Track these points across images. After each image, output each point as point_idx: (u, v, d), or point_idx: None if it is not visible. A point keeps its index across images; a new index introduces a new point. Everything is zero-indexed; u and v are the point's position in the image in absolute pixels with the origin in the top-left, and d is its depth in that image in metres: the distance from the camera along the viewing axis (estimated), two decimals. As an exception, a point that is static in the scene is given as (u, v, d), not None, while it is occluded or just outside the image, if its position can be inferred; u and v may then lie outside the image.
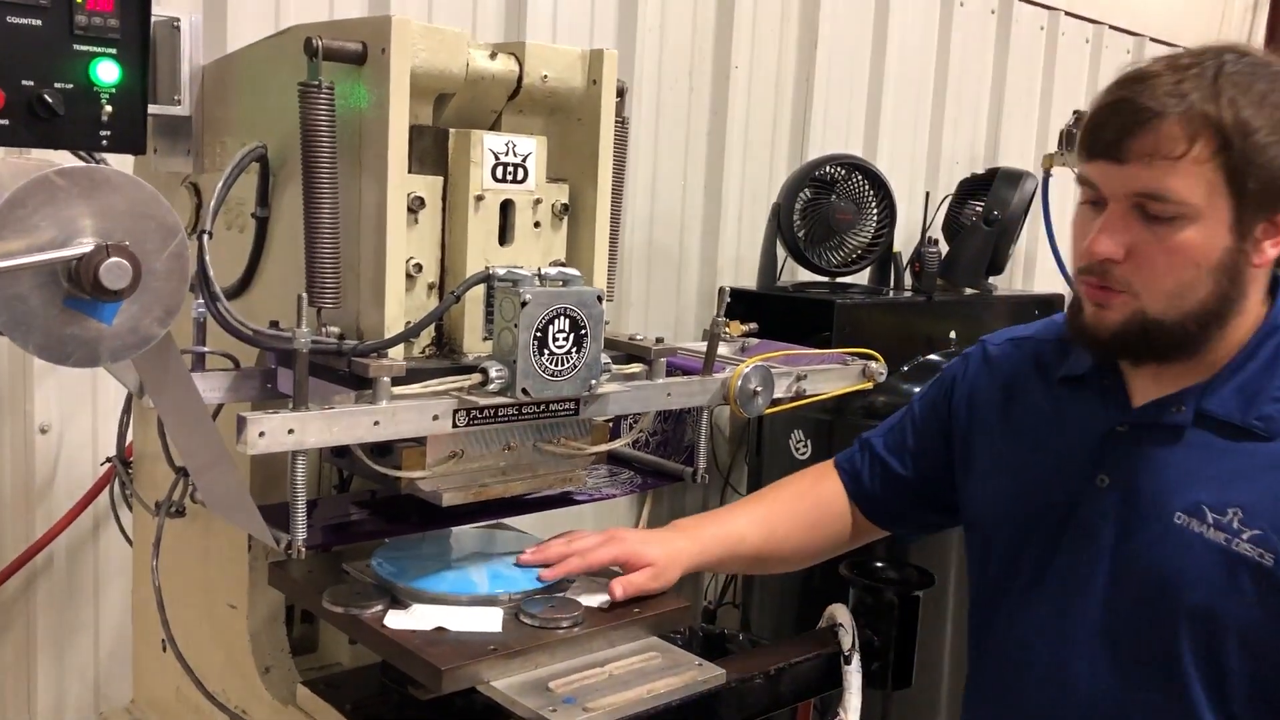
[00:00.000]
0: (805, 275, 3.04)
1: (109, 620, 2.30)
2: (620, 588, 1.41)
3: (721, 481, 3.36)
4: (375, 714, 1.39)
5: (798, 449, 2.86)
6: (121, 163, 1.28)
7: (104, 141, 1.30)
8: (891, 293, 2.96)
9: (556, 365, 1.30)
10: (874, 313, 2.80)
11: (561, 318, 1.29)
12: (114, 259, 0.99)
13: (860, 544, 1.66)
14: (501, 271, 1.30)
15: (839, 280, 2.98)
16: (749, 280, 3.05)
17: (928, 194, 2.92)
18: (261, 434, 1.14)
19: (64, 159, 1.26)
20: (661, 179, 3.07)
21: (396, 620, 1.32)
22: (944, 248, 3.05)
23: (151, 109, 1.39)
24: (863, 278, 3.08)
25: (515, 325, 1.26)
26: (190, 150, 1.57)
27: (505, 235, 1.38)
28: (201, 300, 1.30)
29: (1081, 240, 1.29)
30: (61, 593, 2.25)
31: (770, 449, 2.99)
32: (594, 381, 1.34)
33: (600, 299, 1.33)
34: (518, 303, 1.25)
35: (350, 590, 1.39)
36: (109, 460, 1.86)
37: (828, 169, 2.82)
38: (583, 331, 1.31)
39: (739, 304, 2.81)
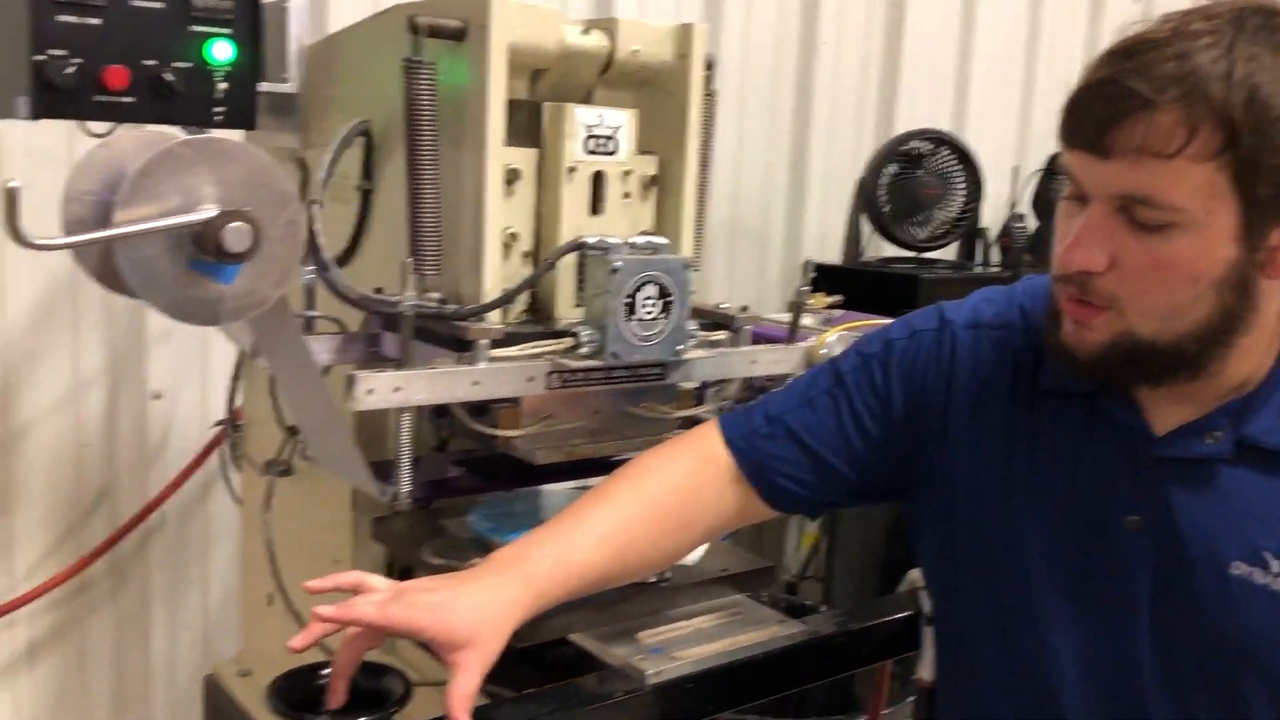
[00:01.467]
0: (891, 251, 3.04)
1: (217, 577, 2.41)
2: None
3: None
4: (471, 662, 1.45)
5: (881, 424, 2.88)
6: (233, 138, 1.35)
7: (217, 117, 1.37)
8: (979, 269, 2.95)
9: (645, 331, 1.34)
10: (959, 288, 2.76)
11: (650, 284, 1.33)
12: (236, 223, 1.06)
13: (740, 526, 1.36)
14: (593, 240, 1.35)
15: (924, 256, 2.98)
16: (833, 258, 3.06)
17: (1016, 169, 2.89)
18: (370, 391, 1.21)
19: (179, 135, 1.34)
20: (746, 155, 3.10)
21: (492, 572, 1.39)
22: (1033, 224, 3.03)
23: (261, 87, 1.46)
24: (949, 253, 3.07)
25: (605, 292, 1.31)
26: (297, 126, 1.65)
27: (597, 205, 1.43)
28: (311, 267, 1.37)
29: (1062, 243, 1.07)
30: (174, 551, 2.37)
31: (854, 424, 3.00)
32: (680, 347, 1.39)
33: (687, 267, 1.37)
34: (608, 270, 1.30)
35: (448, 544, 1.46)
36: (219, 423, 1.96)
37: (914, 144, 2.82)
38: (670, 298, 1.35)
39: (824, 279, 2.84)
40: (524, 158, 1.39)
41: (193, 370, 2.32)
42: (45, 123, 1.30)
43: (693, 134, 1.48)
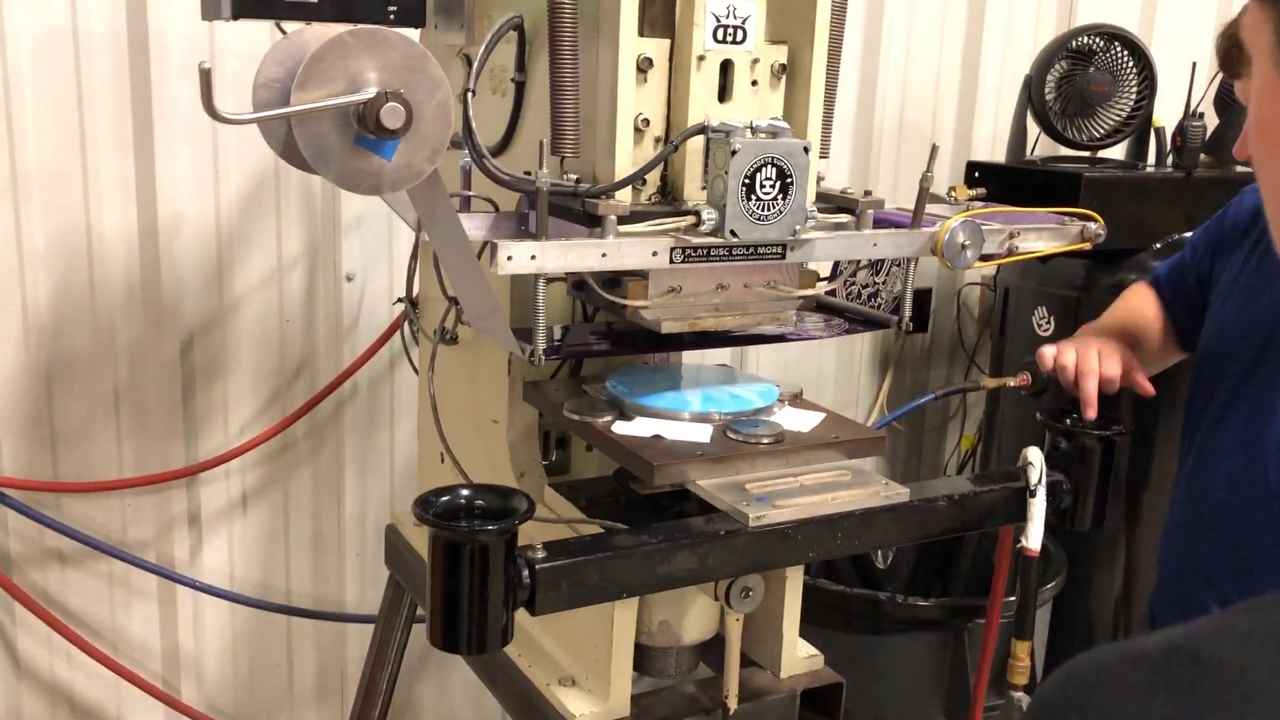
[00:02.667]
0: (1066, 152, 2.99)
1: (401, 442, 2.68)
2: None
3: (967, 360, 3.41)
4: (604, 508, 1.61)
5: (1040, 326, 2.88)
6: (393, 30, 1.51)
7: (391, 15, 1.54)
8: (1151, 168, 2.87)
9: (763, 210, 1.44)
10: (1126, 187, 2.74)
11: (769, 166, 1.42)
12: (392, 103, 1.22)
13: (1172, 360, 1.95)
14: (715, 124, 1.44)
15: (1096, 156, 2.92)
16: (1004, 158, 3.03)
17: (1194, 65, 2.78)
18: (509, 257, 1.36)
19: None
20: (915, 54, 3.09)
21: (622, 428, 1.54)
22: (1214, 122, 2.91)
23: (454, -14, 1.62)
24: (1120, 153, 3.00)
25: (725, 172, 1.41)
26: (463, 25, 1.80)
27: (725, 93, 1.52)
28: (466, 151, 1.53)
29: None
30: (364, 417, 2.64)
31: (1013, 327, 3.01)
32: (799, 227, 1.47)
33: (807, 150, 1.45)
34: (728, 151, 1.40)
35: (587, 403, 1.61)
36: (400, 300, 2.17)
37: (1084, 39, 2.76)
38: (789, 180, 1.44)
39: (987, 176, 2.84)
40: (657, 47, 1.50)
41: (381, 255, 2.56)
42: (249, 29, 1.50)
43: (821, 23, 1.55)
